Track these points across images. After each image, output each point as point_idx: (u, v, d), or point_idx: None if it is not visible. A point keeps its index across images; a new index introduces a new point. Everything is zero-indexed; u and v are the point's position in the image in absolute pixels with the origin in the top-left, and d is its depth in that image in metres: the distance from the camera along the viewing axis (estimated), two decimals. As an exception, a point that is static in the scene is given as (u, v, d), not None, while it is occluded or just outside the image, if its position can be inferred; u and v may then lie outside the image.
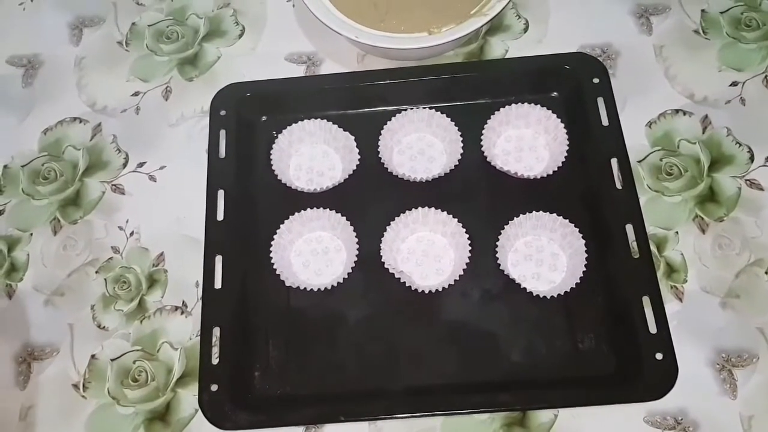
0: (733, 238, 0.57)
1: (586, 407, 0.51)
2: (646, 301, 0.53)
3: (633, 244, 0.55)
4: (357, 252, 0.56)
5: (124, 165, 0.63)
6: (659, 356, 0.51)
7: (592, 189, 0.58)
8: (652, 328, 0.52)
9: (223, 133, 0.62)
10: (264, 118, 0.64)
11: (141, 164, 0.63)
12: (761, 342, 0.53)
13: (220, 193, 0.59)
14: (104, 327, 0.57)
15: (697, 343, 0.53)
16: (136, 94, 0.66)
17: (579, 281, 0.53)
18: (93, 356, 0.56)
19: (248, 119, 0.63)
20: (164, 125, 0.65)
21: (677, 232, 0.57)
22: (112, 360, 0.55)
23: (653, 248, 0.56)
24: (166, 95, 0.66)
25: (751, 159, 0.59)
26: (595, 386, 0.52)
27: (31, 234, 0.61)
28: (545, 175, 0.58)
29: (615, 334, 0.53)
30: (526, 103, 0.61)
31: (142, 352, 0.56)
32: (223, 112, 0.62)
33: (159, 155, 0.63)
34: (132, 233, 0.60)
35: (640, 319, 0.52)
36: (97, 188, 0.62)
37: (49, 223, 0.61)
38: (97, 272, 0.59)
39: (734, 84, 0.63)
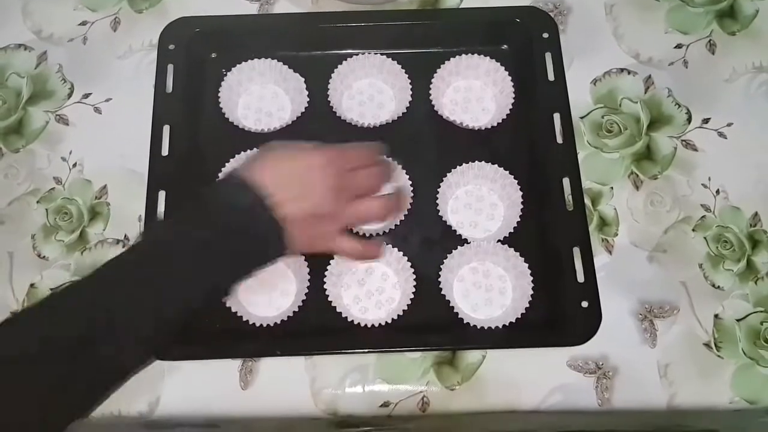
0: (665, 195, 0.59)
1: (513, 349, 0.54)
2: (576, 252, 0.55)
3: (568, 198, 0.56)
4: (301, 193, 0.56)
5: (69, 95, 0.62)
6: (585, 304, 0.53)
7: (533, 142, 0.59)
8: (580, 278, 0.54)
9: (171, 67, 0.61)
10: (214, 54, 0.63)
11: (86, 95, 0.62)
12: (683, 295, 0.56)
13: (166, 129, 0.59)
14: (44, 257, 0.57)
15: (623, 293, 0.55)
16: (83, 23, 0.65)
17: (513, 230, 0.55)
18: (32, 285, 0.56)
19: (197, 55, 0.62)
20: (111, 57, 0.63)
21: (612, 188, 0.59)
22: (52, 290, 0.56)
23: (588, 202, 0.58)
24: (114, 26, 0.65)
25: (689, 120, 0.61)
26: (522, 330, 0.54)
27: (-29, 161, 0.60)
28: (490, 127, 0.59)
29: (544, 282, 0.55)
30: (476, 54, 0.61)
31: (82, 283, 0.56)
32: (171, 47, 0.61)
33: (105, 87, 0.62)
34: (75, 165, 0.60)
35: (570, 268, 0.54)
36: (40, 118, 0.61)
37: (-11, 151, 0.60)
38: (38, 202, 0.58)
39: (679, 46, 0.64)
